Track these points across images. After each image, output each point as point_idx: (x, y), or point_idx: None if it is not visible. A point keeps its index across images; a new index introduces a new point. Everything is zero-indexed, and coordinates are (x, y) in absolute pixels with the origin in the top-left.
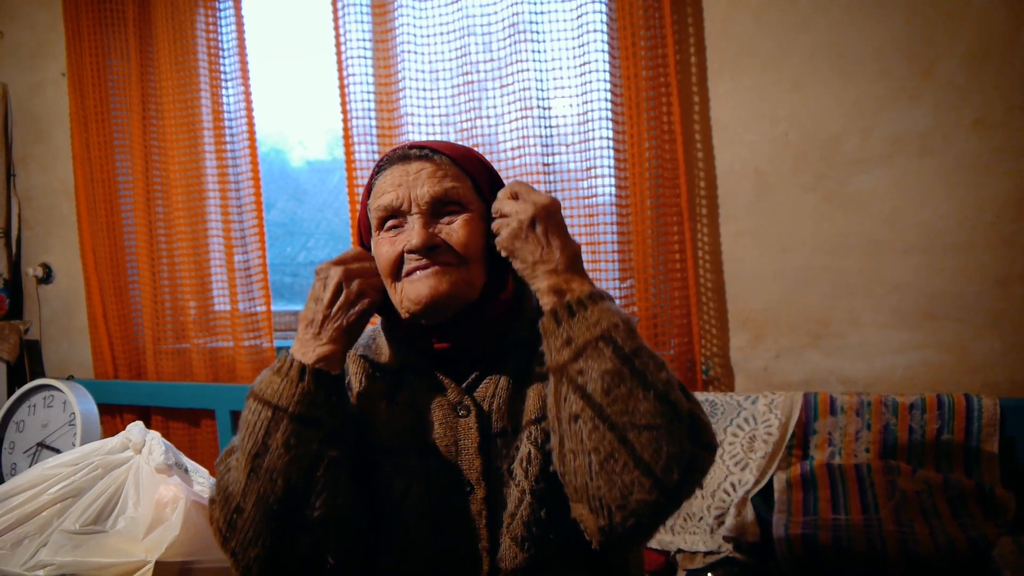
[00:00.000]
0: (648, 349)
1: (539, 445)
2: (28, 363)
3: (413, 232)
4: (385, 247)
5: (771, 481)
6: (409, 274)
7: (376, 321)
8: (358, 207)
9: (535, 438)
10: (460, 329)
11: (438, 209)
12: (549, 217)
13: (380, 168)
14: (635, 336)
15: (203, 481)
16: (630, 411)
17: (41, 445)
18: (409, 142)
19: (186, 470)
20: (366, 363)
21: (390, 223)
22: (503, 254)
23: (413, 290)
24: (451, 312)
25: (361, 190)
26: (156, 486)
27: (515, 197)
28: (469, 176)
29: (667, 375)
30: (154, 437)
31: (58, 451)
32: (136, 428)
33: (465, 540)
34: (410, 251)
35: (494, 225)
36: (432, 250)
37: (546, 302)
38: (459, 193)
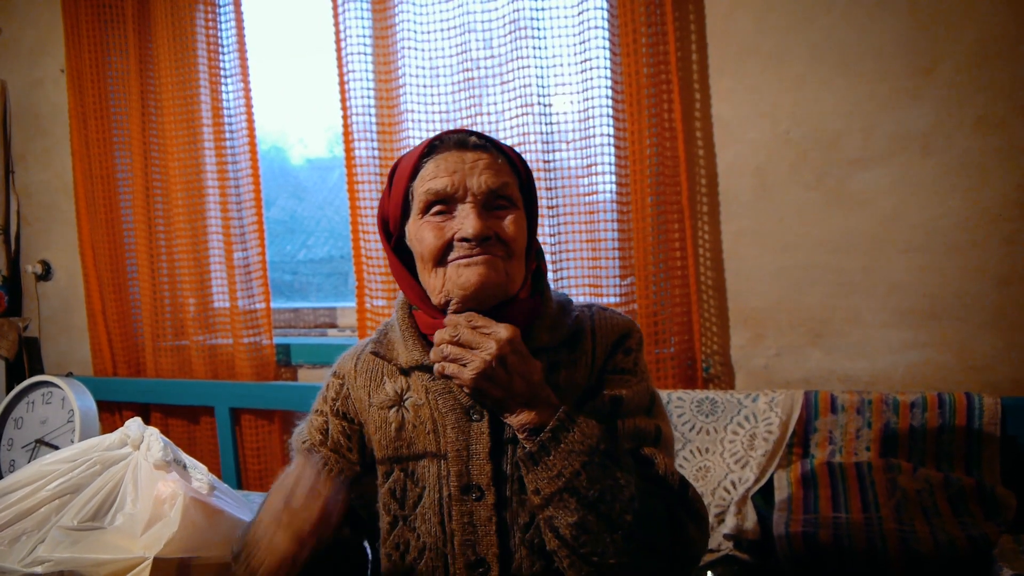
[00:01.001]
0: (617, 481)
1: None
2: (27, 360)
3: (468, 221)
4: (431, 232)
5: (771, 479)
6: (456, 261)
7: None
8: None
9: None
10: None
11: (490, 202)
12: (513, 351)
13: (430, 150)
14: (603, 469)
15: (201, 477)
16: (599, 552)
17: (40, 442)
18: (462, 128)
19: (184, 466)
20: (378, 361)
21: (437, 208)
22: (466, 390)
23: (462, 276)
24: (492, 303)
25: (363, 186)
26: (154, 482)
27: (473, 328)
28: (517, 175)
29: (633, 510)
30: (152, 433)
31: (57, 448)
32: (134, 424)
33: (477, 545)
34: (462, 239)
35: (448, 353)
36: (484, 241)
37: (520, 439)
38: (510, 189)
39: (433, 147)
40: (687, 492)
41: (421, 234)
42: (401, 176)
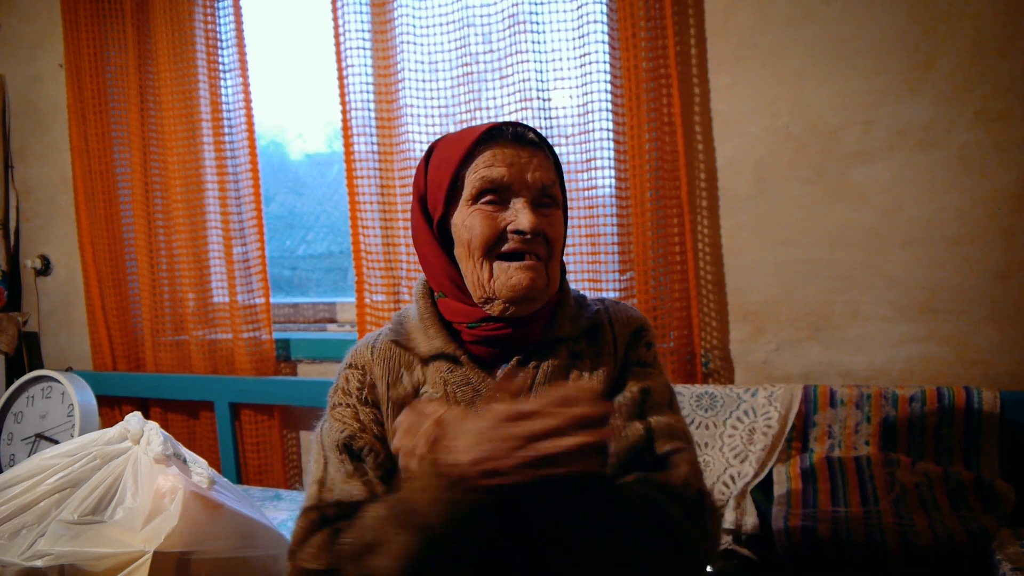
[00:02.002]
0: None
1: None
2: (27, 355)
3: (523, 214)
4: (482, 220)
5: (770, 473)
6: (508, 256)
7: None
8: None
9: None
10: (518, 319)
11: (539, 199)
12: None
13: (484, 139)
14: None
15: (201, 471)
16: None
17: (40, 436)
18: (515, 122)
19: (184, 460)
20: (395, 351)
21: (489, 196)
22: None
23: (512, 277)
24: (534, 308)
25: (362, 182)
26: (154, 476)
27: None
28: (559, 176)
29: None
30: (152, 427)
31: (56, 442)
32: (134, 418)
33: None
34: (516, 231)
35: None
36: (536, 237)
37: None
38: (555, 188)
39: (490, 136)
40: (703, 502)
41: (471, 221)
42: (450, 159)
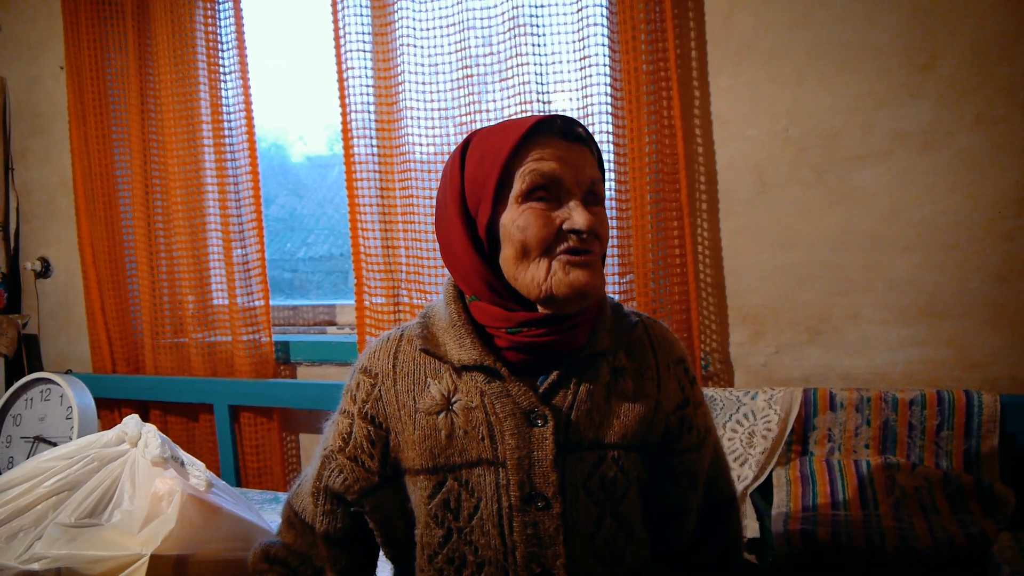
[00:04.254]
0: None
1: (624, 470)
2: (26, 357)
3: (578, 213)
4: (538, 218)
5: (770, 476)
6: (566, 255)
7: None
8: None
9: (622, 463)
10: (562, 325)
11: (587, 197)
12: None
13: (532, 132)
14: None
15: (199, 474)
16: None
17: (38, 439)
18: (563, 115)
19: (182, 463)
20: (420, 359)
21: (539, 193)
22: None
23: (571, 274)
24: (587, 305)
25: (362, 184)
26: (152, 479)
27: None
28: (602, 173)
29: None
30: (150, 430)
31: (55, 444)
32: (132, 421)
33: (542, 558)
34: (574, 231)
35: None
36: (591, 235)
37: None
38: (600, 186)
39: (537, 129)
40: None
41: (524, 221)
42: (496, 153)
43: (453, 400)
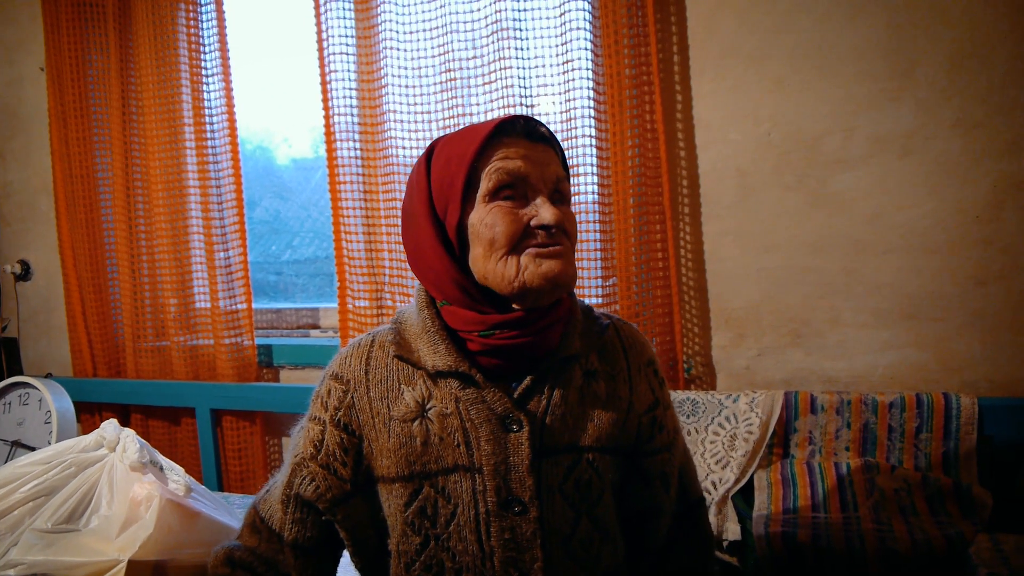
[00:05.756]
0: None
1: (599, 472)
2: (6, 361)
3: (545, 208)
4: (504, 216)
5: (752, 479)
6: (533, 248)
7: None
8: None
9: (596, 465)
10: (535, 326)
11: (553, 195)
12: None
13: (496, 133)
14: None
15: (178, 479)
16: None
17: (16, 443)
18: (525, 115)
19: (161, 468)
20: (394, 366)
21: (506, 192)
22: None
23: (543, 265)
24: (560, 295)
25: (345, 186)
26: (130, 484)
27: None
28: (566, 172)
29: None
30: (129, 435)
31: (33, 449)
32: (110, 426)
33: (520, 562)
34: (542, 226)
35: None
36: (559, 230)
37: None
38: (565, 184)
39: (500, 130)
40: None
41: (491, 219)
42: (462, 155)
43: (428, 407)
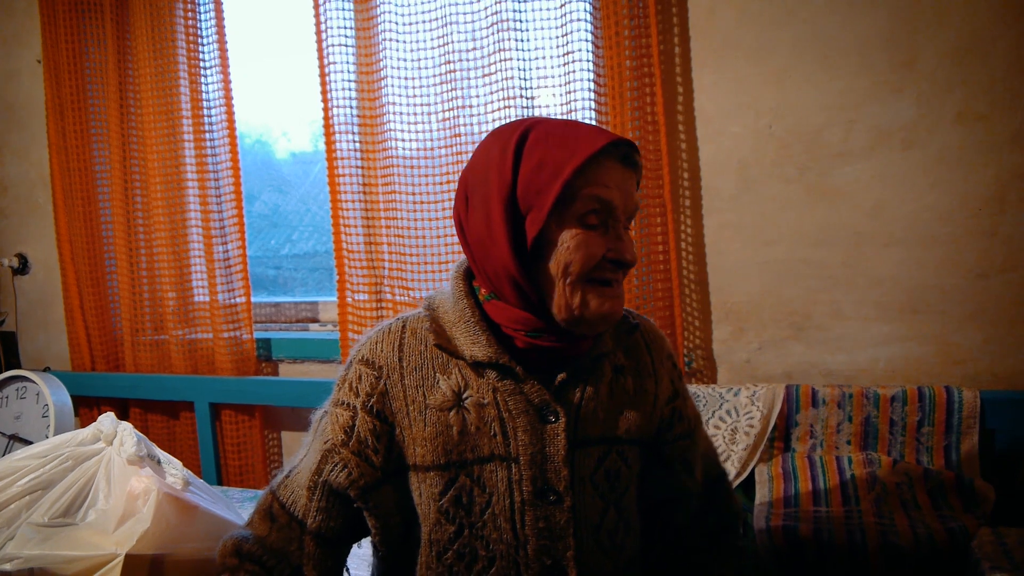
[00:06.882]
0: None
1: (628, 463)
2: (3, 355)
3: (627, 246)
4: (588, 245)
5: (752, 473)
6: (601, 285)
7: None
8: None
9: (626, 456)
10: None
11: (626, 223)
12: None
13: (598, 154)
14: None
15: (176, 473)
16: None
17: (13, 437)
18: (628, 140)
19: (159, 461)
20: (428, 354)
21: (593, 218)
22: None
23: (604, 305)
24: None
25: (344, 180)
26: (127, 478)
27: None
28: None
29: None
30: (126, 428)
31: (31, 443)
32: (107, 419)
33: (553, 550)
34: (620, 264)
35: None
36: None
37: None
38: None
39: (604, 153)
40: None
41: (575, 243)
42: (562, 164)
43: (464, 396)
